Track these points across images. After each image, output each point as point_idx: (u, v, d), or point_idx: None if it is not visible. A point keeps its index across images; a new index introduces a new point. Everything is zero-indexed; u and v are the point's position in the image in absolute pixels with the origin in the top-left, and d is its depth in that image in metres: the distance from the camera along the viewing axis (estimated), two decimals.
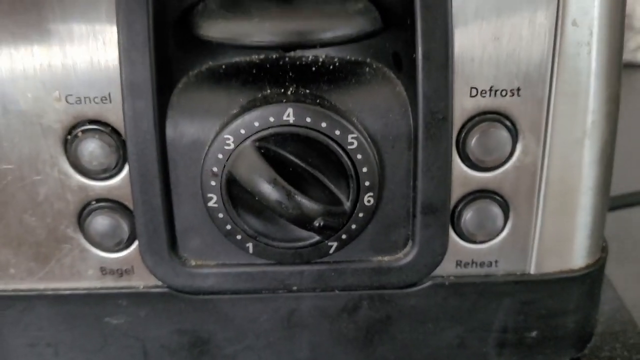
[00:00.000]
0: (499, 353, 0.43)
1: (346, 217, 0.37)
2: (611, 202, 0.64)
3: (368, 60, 0.39)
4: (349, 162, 0.36)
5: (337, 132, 0.36)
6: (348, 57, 0.39)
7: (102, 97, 0.37)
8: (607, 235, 0.44)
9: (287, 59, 0.39)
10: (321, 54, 0.39)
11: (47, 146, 0.38)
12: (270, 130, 0.36)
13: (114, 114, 0.37)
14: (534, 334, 0.43)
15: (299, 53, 0.39)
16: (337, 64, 0.39)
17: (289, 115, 0.36)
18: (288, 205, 0.35)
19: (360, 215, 0.38)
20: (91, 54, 0.36)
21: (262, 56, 0.39)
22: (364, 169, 0.37)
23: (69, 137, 0.38)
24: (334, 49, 0.39)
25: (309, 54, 0.39)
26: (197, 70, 0.39)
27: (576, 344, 0.44)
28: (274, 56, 0.39)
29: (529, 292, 0.41)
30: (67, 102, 0.37)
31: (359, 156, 0.36)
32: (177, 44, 0.38)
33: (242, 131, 0.36)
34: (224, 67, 0.39)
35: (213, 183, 0.37)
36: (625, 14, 0.38)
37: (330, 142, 0.36)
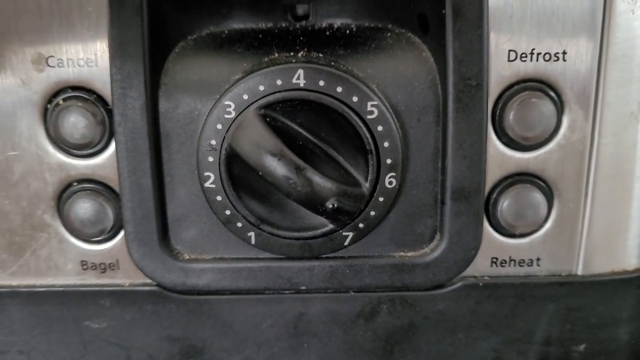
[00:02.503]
0: None
1: (364, 200, 0.32)
2: None
3: (389, 26, 0.35)
4: (368, 135, 0.32)
5: (355, 99, 0.31)
6: (367, 24, 0.35)
7: (87, 59, 0.32)
8: None
9: (297, 25, 0.35)
10: (336, 21, 0.35)
11: (24, 116, 0.33)
12: (278, 95, 0.31)
13: (100, 80, 0.33)
14: (581, 347, 0.37)
15: (311, 21, 0.35)
16: (354, 29, 0.34)
17: (299, 77, 0.31)
18: (297, 182, 0.30)
19: (381, 199, 0.33)
20: (75, 7, 0.32)
21: (270, 24, 0.35)
22: (386, 144, 0.32)
23: (49, 105, 0.33)
24: (350, 15, 0.35)
25: (323, 22, 0.35)
26: (196, 35, 0.34)
27: None
28: (283, 24, 0.35)
29: (576, 296, 0.36)
30: (47, 64, 0.32)
31: (380, 128, 0.32)
32: (175, 3, 0.34)
33: (245, 97, 0.31)
34: (227, 32, 0.34)
35: (211, 159, 0.32)
36: None
37: (347, 110, 0.31)
